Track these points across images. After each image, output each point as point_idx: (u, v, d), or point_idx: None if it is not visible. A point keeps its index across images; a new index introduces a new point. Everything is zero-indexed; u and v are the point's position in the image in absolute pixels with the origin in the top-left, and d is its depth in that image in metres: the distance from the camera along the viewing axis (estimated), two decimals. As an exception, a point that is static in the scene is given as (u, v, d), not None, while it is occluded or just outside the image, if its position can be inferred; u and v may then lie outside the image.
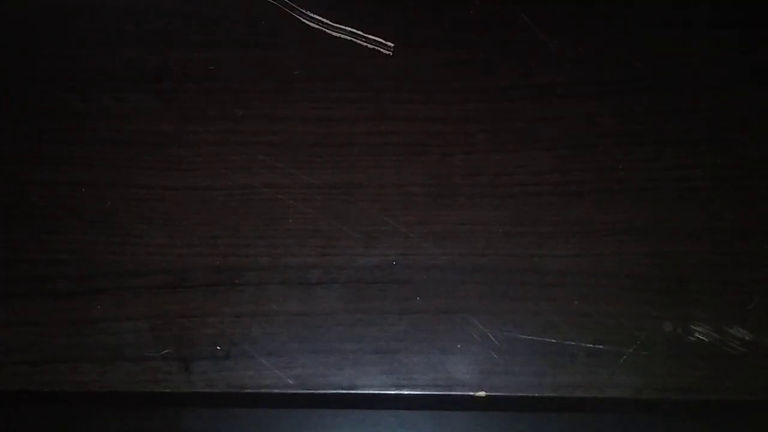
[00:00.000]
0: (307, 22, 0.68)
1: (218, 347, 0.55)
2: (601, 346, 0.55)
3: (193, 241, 0.59)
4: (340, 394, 0.54)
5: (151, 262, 0.58)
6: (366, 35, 0.67)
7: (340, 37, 0.67)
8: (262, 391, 0.54)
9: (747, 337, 0.55)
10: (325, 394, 0.54)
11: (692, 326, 0.55)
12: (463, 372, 0.54)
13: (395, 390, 0.54)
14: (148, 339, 0.55)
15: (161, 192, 0.61)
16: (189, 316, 0.56)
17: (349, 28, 0.68)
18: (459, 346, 0.55)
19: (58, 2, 0.70)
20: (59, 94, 0.65)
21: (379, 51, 0.67)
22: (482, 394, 0.54)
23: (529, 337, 0.55)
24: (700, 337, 0.55)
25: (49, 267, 0.58)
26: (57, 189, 0.61)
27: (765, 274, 0.56)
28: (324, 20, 0.68)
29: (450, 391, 0.54)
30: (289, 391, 0.54)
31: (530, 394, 0.54)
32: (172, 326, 0.56)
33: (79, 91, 0.65)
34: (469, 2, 0.69)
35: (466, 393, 0.54)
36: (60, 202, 0.60)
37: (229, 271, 0.57)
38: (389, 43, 0.67)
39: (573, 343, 0.55)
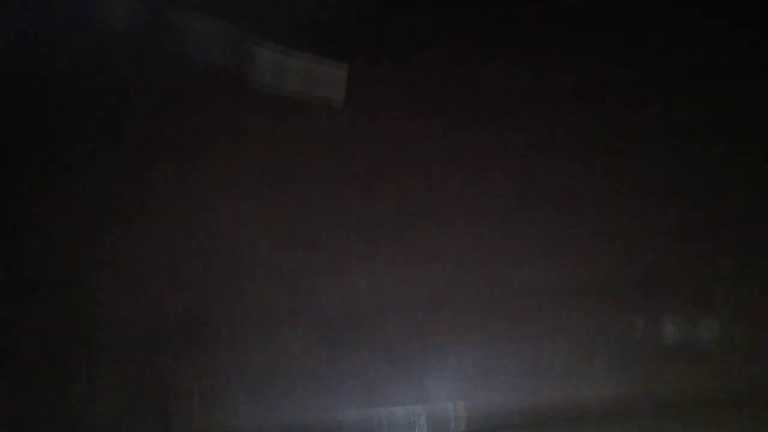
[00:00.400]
0: (261, 78, 0.68)
1: (196, 397, 0.56)
2: (576, 355, 0.56)
3: (164, 294, 0.59)
4: (320, 429, 0.55)
5: (123, 319, 0.58)
6: (318, 86, 0.67)
7: (294, 91, 0.67)
8: (243, 436, 0.55)
9: (716, 333, 0.55)
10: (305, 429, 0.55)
11: (663, 326, 0.56)
12: (440, 397, 0.55)
13: (373, 421, 0.55)
14: (124, 396, 0.56)
15: (129, 247, 0.61)
16: (166, 370, 0.57)
17: (301, 82, 0.68)
18: (434, 372, 0.56)
19: (13, 58, 0.70)
20: (17, 149, 0.65)
21: (333, 99, 0.67)
22: (462, 415, 0.55)
23: (504, 355, 0.56)
24: (671, 335, 0.55)
25: (18, 334, 0.58)
26: (19, 254, 0.61)
27: (727, 270, 0.57)
28: (277, 75, 0.68)
29: (429, 417, 0.55)
30: (270, 433, 0.55)
31: (508, 412, 0.55)
32: (149, 381, 0.56)
33: (38, 147, 0.65)
34: (415, 46, 0.69)
35: (445, 418, 0.55)
36: (20, 269, 0.61)
37: (202, 321, 0.58)
38: (340, 92, 0.67)
39: (547, 355, 0.56)
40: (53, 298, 0.60)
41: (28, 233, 0.62)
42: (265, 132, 0.65)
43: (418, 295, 0.58)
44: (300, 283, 0.59)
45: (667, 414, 0.56)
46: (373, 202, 0.61)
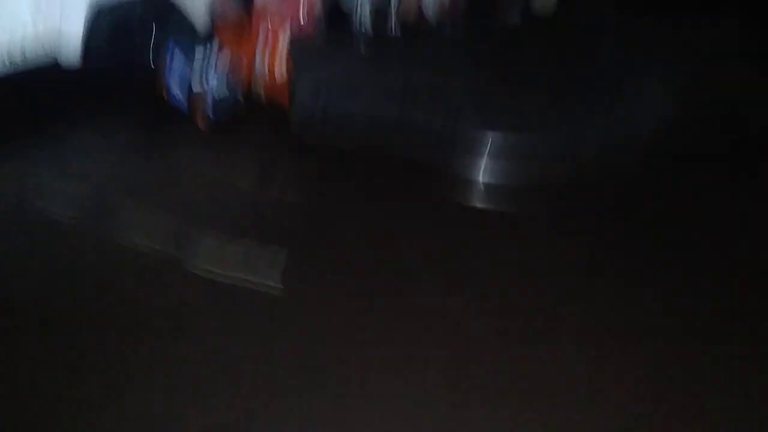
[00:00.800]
0: (197, 270, 0.72)
1: None
2: None
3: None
4: None
5: None
6: (256, 275, 0.72)
7: (231, 280, 0.71)
8: None
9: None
10: None
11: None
12: None
13: None
14: None
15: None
16: None
17: (239, 271, 0.72)
18: None
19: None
20: None
21: (270, 288, 0.71)
22: None
23: None
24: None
25: None
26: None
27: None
28: (214, 265, 0.73)
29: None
30: None
31: None
32: None
33: None
34: (348, 241, 0.77)
35: None
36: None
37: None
38: (277, 284, 0.71)
39: None
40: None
41: None
42: (203, 338, 0.67)
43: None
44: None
45: None
46: (308, 401, 0.61)
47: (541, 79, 0.88)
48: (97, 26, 0.85)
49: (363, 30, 1.04)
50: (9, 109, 0.88)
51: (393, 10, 1.04)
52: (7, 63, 0.82)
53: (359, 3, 1.02)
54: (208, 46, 0.94)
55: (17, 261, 0.73)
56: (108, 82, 0.90)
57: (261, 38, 0.98)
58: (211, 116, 0.86)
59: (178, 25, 0.93)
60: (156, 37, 0.91)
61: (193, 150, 0.86)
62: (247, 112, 0.90)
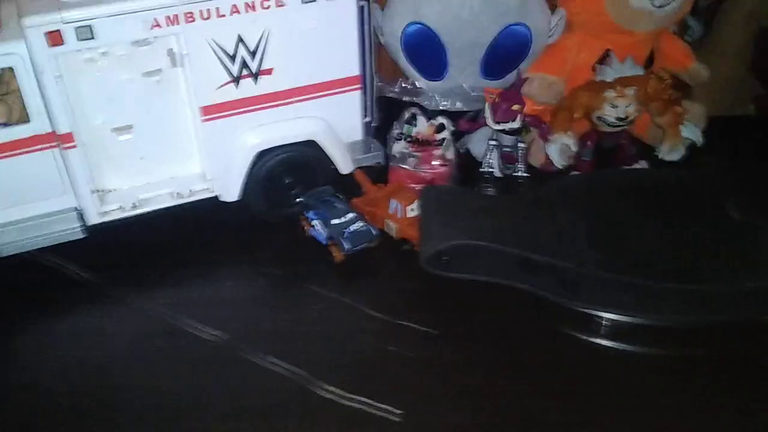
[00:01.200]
0: (322, 393, 0.76)
1: None
2: None
3: None
4: None
5: None
6: (376, 404, 0.74)
7: (352, 406, 0.74)
8: None
9: None
10: None
11: None
12: None
13: None
14: None
15: None
16: None
17: (361, 398, 0.75)
18: None
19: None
20: None
21: (388, 418, 0.73)
22: None
23: None
24: None
25: None
26: None
27: None
28: (337, 391, 0.76)
29: None
30: None
31: None
32: None
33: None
34: (471, 372, 0.78)
35: None
36: None
37: None
38: (397, 411, 0.74)
39: None
40: None
41: None
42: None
43: None
44: None
45: None
46: None
47: (665, 235, 0.89)
48: (256, 168, 0.96)
49: (491, 174, 1.09)
50: (172, 236, 0.98)
51: (521, 156, 1.09)
52: (175, 197, 0.94)
53: (488, 148, 1.09)
54: (348, 186, 1.02)
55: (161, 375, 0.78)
56: (259, 217, 1.00)
57: (396, 179, 1.06)
58: (346, 250, 0.93)
59: (321, 166, 1.02)
60: (303, 178, 1.01)
61: (325, 279, 0.92)
62: (380, 246, 0.96)
